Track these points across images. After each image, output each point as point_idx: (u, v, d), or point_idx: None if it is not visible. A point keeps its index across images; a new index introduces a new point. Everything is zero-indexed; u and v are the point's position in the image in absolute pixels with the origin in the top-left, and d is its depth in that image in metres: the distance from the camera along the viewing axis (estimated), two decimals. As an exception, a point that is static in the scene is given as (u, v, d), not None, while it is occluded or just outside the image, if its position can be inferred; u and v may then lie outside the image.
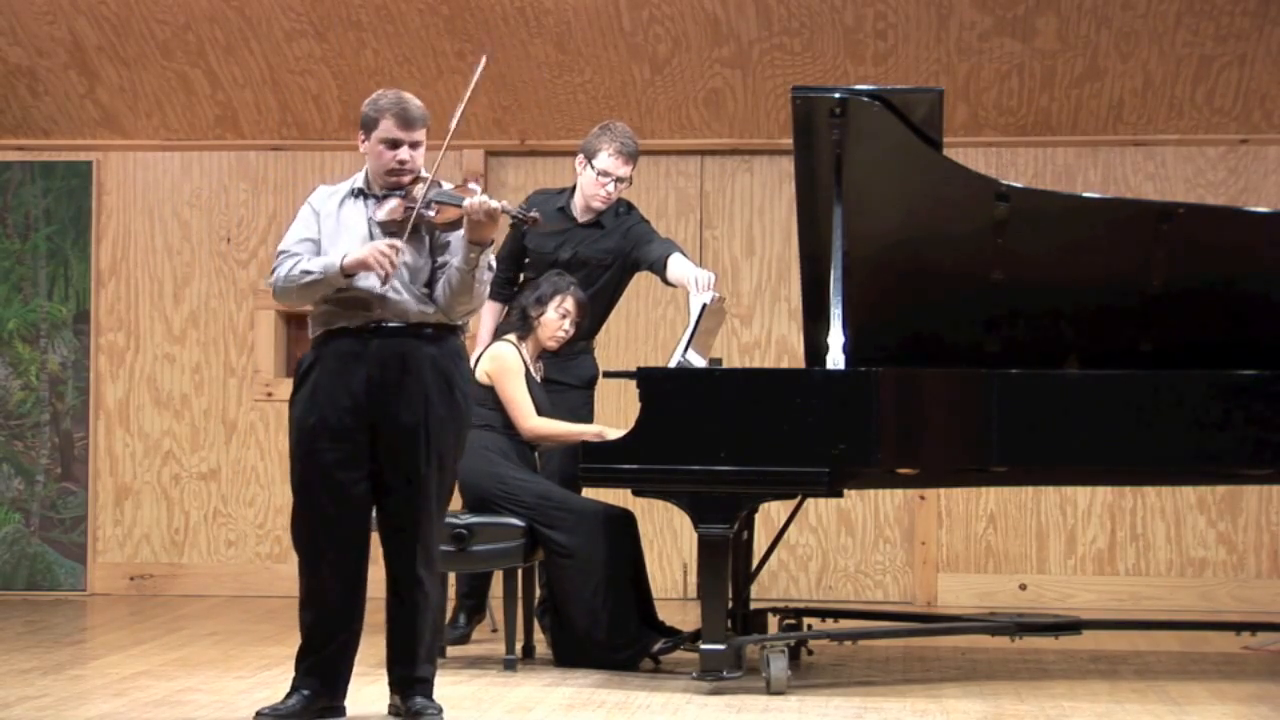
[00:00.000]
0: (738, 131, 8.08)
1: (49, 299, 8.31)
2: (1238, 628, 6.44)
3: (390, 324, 4.92)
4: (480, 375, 6.31)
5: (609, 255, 6.64)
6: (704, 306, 6.08)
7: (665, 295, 7.94)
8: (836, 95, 5.77)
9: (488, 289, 5.00)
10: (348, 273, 4.89)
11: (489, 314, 6.79)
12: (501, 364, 6.26)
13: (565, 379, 6.61)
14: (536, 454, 6.42)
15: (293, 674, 5.05)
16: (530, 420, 6.22)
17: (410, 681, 5.03)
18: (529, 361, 6.31)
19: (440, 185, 4.99)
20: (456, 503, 6.90)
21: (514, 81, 7.94)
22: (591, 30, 7.72)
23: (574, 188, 6.69)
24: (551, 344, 6.34)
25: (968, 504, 7.95)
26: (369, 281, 4.91)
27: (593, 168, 6.56)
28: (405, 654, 5.02)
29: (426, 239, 4.98)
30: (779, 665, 5.63)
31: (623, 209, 6.69)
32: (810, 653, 6.34)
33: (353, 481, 4.94)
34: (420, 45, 7.79)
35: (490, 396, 6.25)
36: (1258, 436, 5.70)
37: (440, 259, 4.99)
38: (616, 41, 7.75)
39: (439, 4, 7.65)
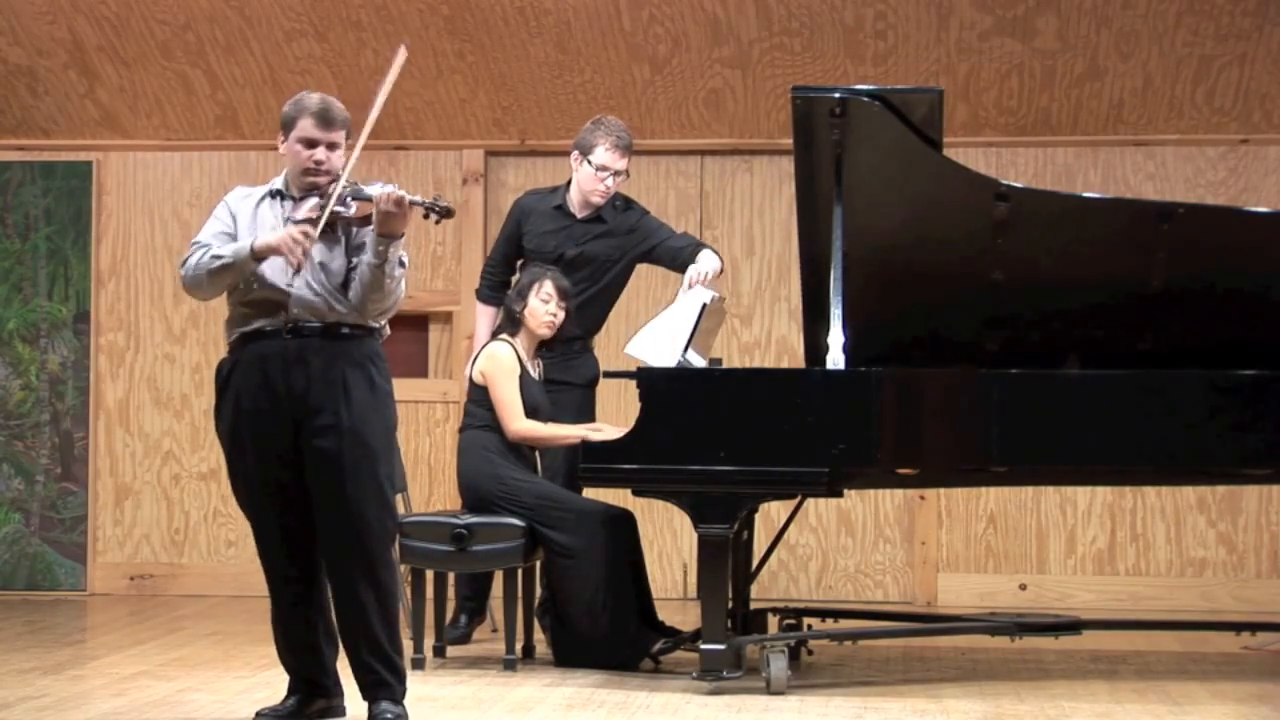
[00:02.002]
0: (738, 131, 8.08)
1: (49, 299, 8.31)
2: (1238, 628, 6.44)
3: (306, 324, 4.85)
4: (475, 375, 6.31)
5: (616, 250, 6.65)
6: (704, 306, 6.08)
7: (666, 295, 7.92)
8: (836, 95, 5.77)
9: (402, 287, 4.89)
10: (259, 256, 4.80)
11: (485, 318, 6.78)
12: (496, 363, 6.25)
13: (567, 378, 6.60)
14: (536, 453, 6.42)
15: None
16: (516, 422, 6.21)
17: (371, 685, 4.91)
18: (525, 360, 6.31)
19: (355, 184, 4.94)
20: (456, 503, 6.93)
21: (514, 81, 7.94)
22: (591, 30, 7.72)
23: (567, 184, 6.69)
24: (545, 331, 6.32)
25: (968, 504, 7.94)
26: (275, 276, 4.83)
27: (590, 163, 6.55)
28: (355, 658, 4.91)
29: (342, 239, 4.90)
30: (779, 665, 5.63)
31: (620, 203, 6.69)
32: (810, 653, 6.34)
33: (289, 483, 4.88)
34: (420, 45, 7.78)
35: (488, 396, 6.24)
36: (1258, 436, 5.70)
37: (355, 259, 4.89)
38: (616, 41, 7.75)
39: (439, 4, 7.65)
